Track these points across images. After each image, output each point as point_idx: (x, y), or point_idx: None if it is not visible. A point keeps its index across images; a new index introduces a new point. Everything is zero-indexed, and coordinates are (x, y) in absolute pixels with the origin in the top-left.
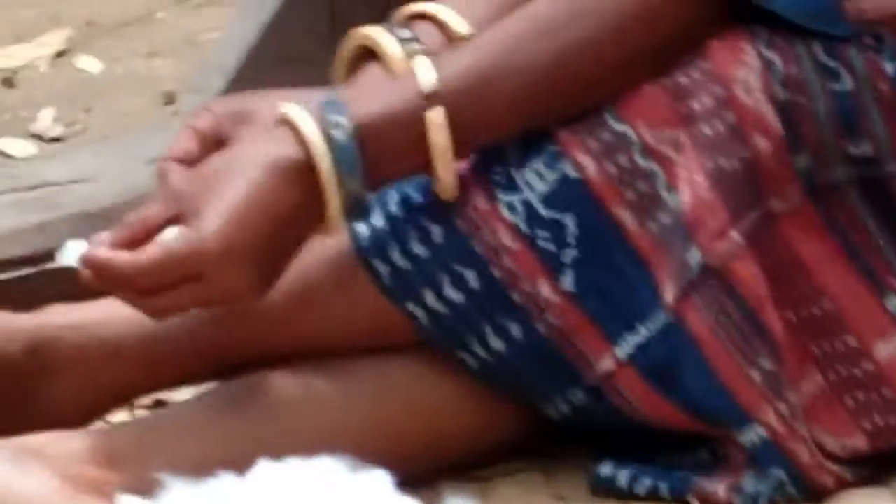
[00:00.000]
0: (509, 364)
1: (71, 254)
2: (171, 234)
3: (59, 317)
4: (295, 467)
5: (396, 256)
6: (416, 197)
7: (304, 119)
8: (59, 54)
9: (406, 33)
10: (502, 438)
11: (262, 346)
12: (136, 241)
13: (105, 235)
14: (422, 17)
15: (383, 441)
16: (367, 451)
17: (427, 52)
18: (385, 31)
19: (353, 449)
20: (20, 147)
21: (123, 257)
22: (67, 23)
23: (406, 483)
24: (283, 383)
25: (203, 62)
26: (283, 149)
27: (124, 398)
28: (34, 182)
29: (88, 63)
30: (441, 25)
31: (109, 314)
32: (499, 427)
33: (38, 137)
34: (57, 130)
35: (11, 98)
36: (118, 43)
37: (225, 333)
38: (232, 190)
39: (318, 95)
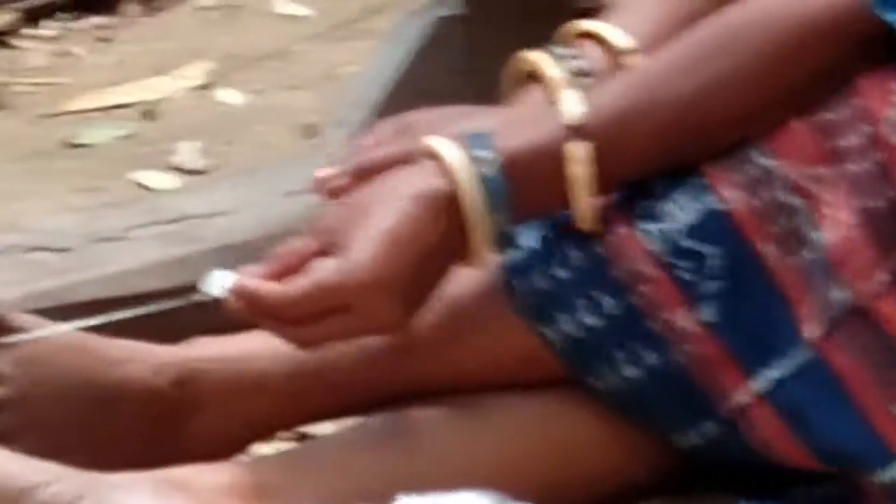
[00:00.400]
0: (643, 392)
1: (215, 284)
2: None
3: (206, 350)
4: (437, 500)
5: (537, 279)
6: (561, 221)
7: (451, 152)
8: (200, 87)
9: (569, 53)
10: (637, 477)
11: (407, 379)
12: (286, 272)
13: (254, 267)
14: (587, 35)
15: (524, 476)
16: (508, 486)
17: (588, 74)
18: (547, 55)
19: (494, 483)
20: (161, 180)
21: (273, 288)
22: (208, 55)
23: None
24: (427, 418)
25: (343, 95)
26: (430, 181)
27: (269, 431)
28: (175, 215)
29: (229, 95)
30: (606, 45)
31: (255, 348)
32: (634, 466)
33: (178, 170)
34: (198, 163)
35: (152, 131)
36: (259, 75)
37: (371, 367)
38: (380, 222)
39: (477, 117)
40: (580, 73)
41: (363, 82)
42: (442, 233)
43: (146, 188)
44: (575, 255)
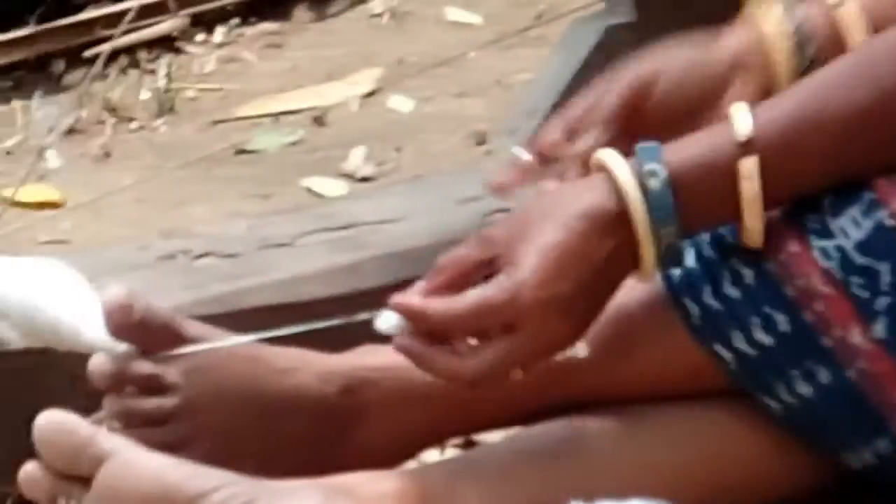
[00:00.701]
0: (815, 410)
1: (389, 322)
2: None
3: (374, 358)
4: None
5: (708, 297)
6: (730, 238)
7: (619, 166)
8: (371, 93)
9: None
10: (799, 491)
11: (574, 390)
12: (451, 286)
13: (419, 284)
14: None
15: (686, 486)
16: (671, 495)
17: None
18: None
19: (658, 492)
20: (331, 186)
21: (437, 305)
22: (378, 62)
23: None
24: (593, 427)
25: (514, 103)
26: (598, 196)
27: (436, 440)
28: (344, 222)
29: (399, 102)
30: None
31: None
32: (796, 479)
33: (348, 177)
34: (368, 170)
35: (323, 137)
36: (429, 82)
37: (540, 378)
38: (548, 238)
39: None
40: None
41: (534, 90)
42: (610, 249)
43: (316, 194)
44: (746, 272)
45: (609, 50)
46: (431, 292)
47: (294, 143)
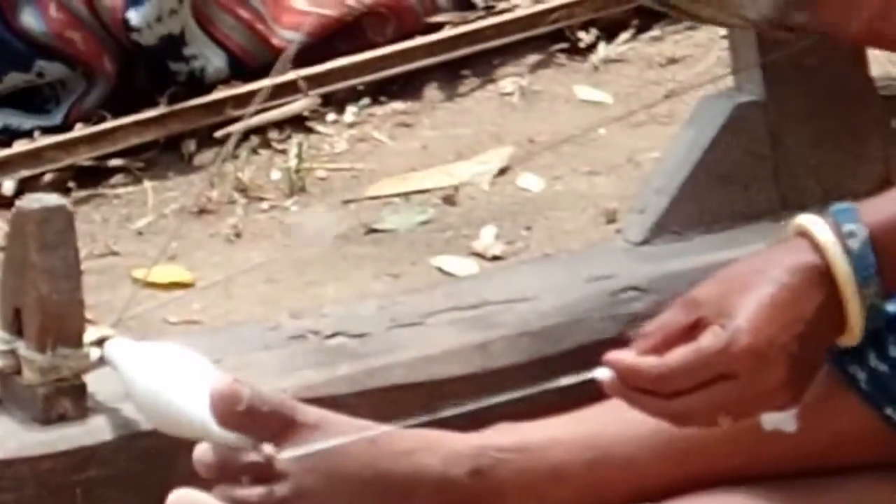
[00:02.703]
0: None
1: (602, 371)
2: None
3: (502, 438)
4: None
5: (874, 361)
6: (891, 307)
7: (820, 228)
8: (501, 172)
9: None
10: None
11: (716, 469)
12: (657, 352)
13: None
14: None
15: None
16: None
17: None
18: None
19: None
20: (461, 265)
21: (651, 360)
22: (508, 141)
23: None
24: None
25: (644, 181)
26: (803, 256)
27: None
28: (475, 301)
29: (529, 181)
30: None
31: (554, 436)
32: None
33: (478, 256)
34: (498, 249)
35: (453, 216)
36: (559, 161)
37: (667, 463)
38: (759, 291)
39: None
40: None
41: (664, 167)
42: (819, 304)
43: (446, 273)
44: None
45: (737, 128)
46: (639, 354)
47: (424, 223)
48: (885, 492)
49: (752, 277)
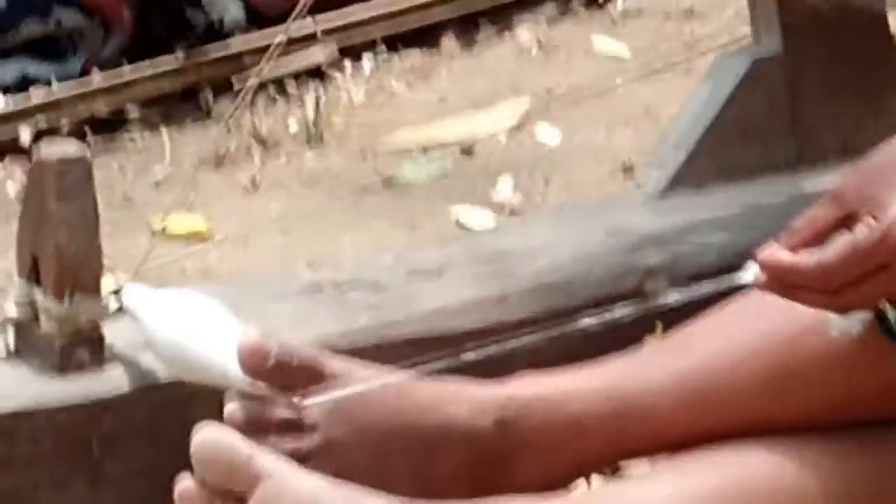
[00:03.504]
0: None
1: (749, 273)
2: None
3: (525, 389)
4: None
5: None
6: None
7: None
8: (518, 124)
9: None
10: None
11: (742, 419)
12: (807, 245)
13: (774, 246)
14: None
15: None
16: None
17: None
18: None
19: None
20: (479, 217)
21: (808, 258)
22: (526, 92)
23: None
24: (747, 457)
25: (663, 135)
26: None
27: (587, 470)
28: (492, 253)
29: (547, 133)
30: None
31: (575, 387)
32: None
33: (496, 207)
34: (515, 201)
35: (471, 168)
36: (577, 113)
37: (689, 414)
38: None
39: None
40: None
41: (682, 122)
42: None
43: (463, 225)
44: None
45: (756, 83)
46: (790, 250)
47: (441, 174)
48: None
49: None
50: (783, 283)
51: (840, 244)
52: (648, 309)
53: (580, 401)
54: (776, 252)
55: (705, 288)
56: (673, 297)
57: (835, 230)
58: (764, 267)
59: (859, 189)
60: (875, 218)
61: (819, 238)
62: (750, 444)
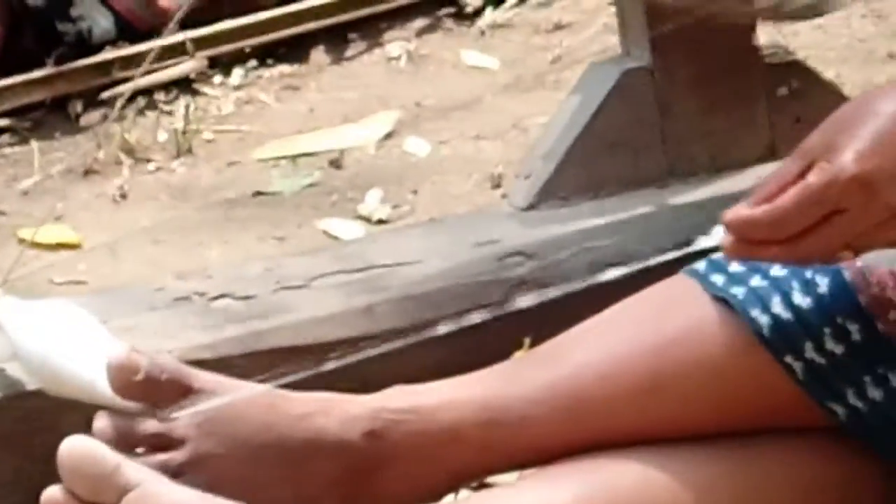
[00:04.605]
0: (885, 413)
1: (713, 237)
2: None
3: (397, 400)
4: None
5: (778, 308)
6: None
7: None
8: (387, 136)
9: None
10: None
11: (599, 438)
12: (770, 199)
13: (739, 205)
14: None
15: None
16: None
17: None
18: None
19: None
20: (347, 229)
21: (763, 208)
22: (395, 105)
23: None
24: (617, 467)
25: (531, 147)
26: None
27: (458, 482)
28: (360, 264)
29: (416, 145)
30: None
31: (448, 397)
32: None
33: (365, 219)
34: (384, 212)
35: (339, 179)
36: (446, 126)
37: (562, 423)
38: (866, 124)
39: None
40: None
41: (551, 133)
42: None
43: (332, 237)
44: (822, 281)
45: (625, 94)
46: (756, 205)
47: (311, 186)
48: (797, 458)
49: (857, 112)
50: (746, 241)
51: (792, 189)
52: (510, 316)
53: (453, 410)
54: (739, 209)
55: (668, 255)
56: (619, 270)
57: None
58: (729, 227)
59: (820, 140)
60: (828, 162)
61: (783, 191)
62: (619, 454)
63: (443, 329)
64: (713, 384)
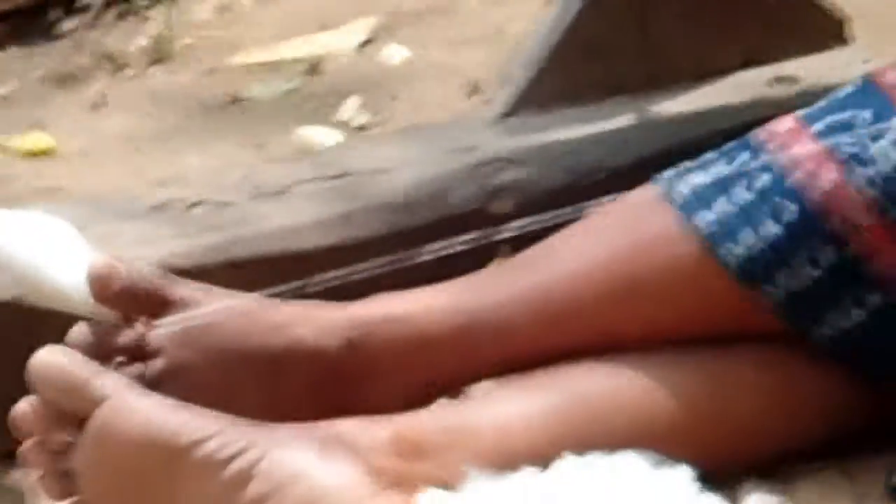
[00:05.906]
0: (866, 334)
1: None
2: None
3: (375, 309)
4: (597, 461)
5: (747, 237)
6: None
7: None
8: (365, 42)
9: None
10: (810, 438)
11: (575, 343)
12: None
13: None
14: None
15: (691, 435)
16: (673, 445)
17: None
18: None
19: (659, 442)
20: (325, 135)
21: None
22: (374, 11)
23: (706, 479)
24: (591, 375)
25: (510, 53)
26: None
27: (436, 390)
28: (338, 171)
29: (394, 52)
30: None
31: (425, 304)
32: (809, 428)
33: (343, 125)
34: (362, 119)
35: (317, 86)
36: (425, 32)
37: (538, 329)
38: None
39: None
40: None
41: (531, 41)
42: None
43: (310, 143)
44: (788, 207)
45: (605, 4)
46: None
47: (289, 92)
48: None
49: None
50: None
51: None
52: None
53: (428, 316)
54: None
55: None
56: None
57: None
58: None
59: None
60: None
61: None
62: (595, 361)
63: (427, 255)
64: (687, 286)
